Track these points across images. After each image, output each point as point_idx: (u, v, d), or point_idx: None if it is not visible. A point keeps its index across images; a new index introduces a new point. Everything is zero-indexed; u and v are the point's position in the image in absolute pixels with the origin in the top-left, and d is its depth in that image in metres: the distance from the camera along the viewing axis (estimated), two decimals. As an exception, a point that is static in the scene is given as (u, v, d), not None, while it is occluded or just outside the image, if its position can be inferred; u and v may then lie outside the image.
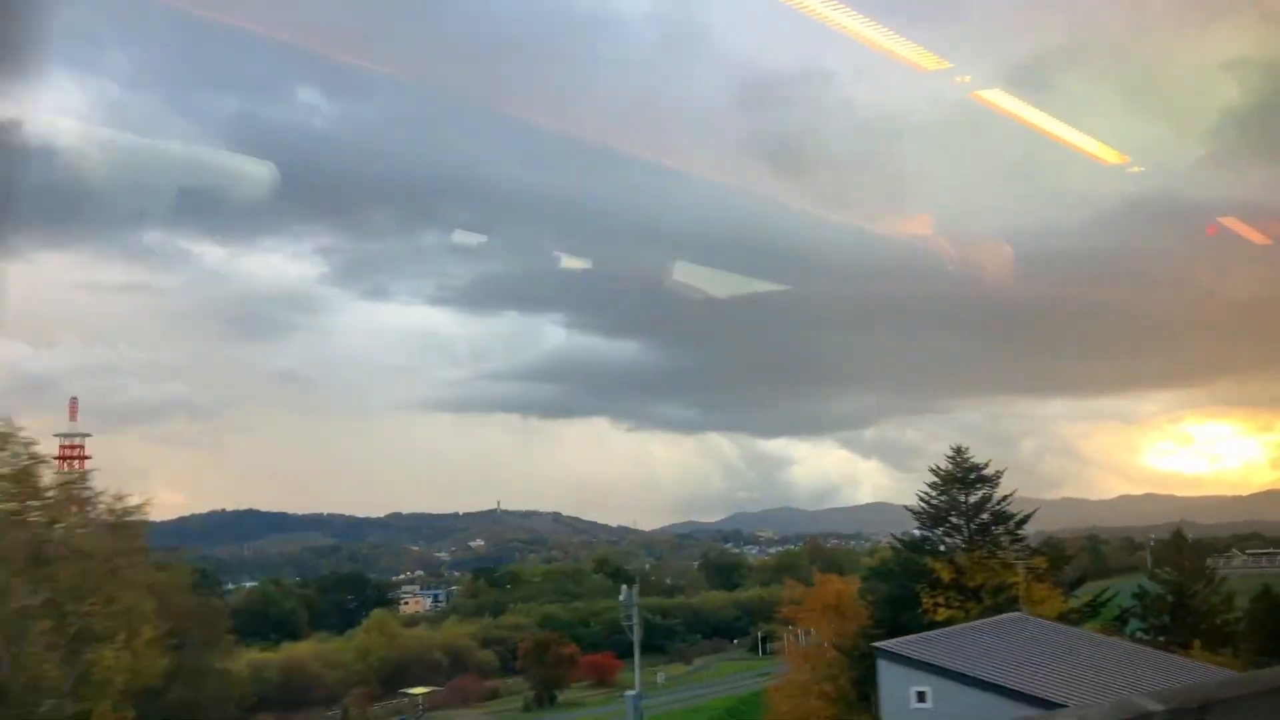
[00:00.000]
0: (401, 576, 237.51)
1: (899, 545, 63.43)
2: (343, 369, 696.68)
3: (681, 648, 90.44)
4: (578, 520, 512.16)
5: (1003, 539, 53.46)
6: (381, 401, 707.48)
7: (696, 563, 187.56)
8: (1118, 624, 55.90)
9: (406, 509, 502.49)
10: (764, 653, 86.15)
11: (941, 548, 54.36)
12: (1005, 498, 54.20)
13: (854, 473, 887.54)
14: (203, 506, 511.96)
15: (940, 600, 48.30)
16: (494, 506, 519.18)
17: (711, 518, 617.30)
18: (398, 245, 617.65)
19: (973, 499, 53.99)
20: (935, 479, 54.70)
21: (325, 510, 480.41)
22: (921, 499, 55.20)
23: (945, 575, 49.73)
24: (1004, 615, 40.37)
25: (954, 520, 53.99)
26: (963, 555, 51.90)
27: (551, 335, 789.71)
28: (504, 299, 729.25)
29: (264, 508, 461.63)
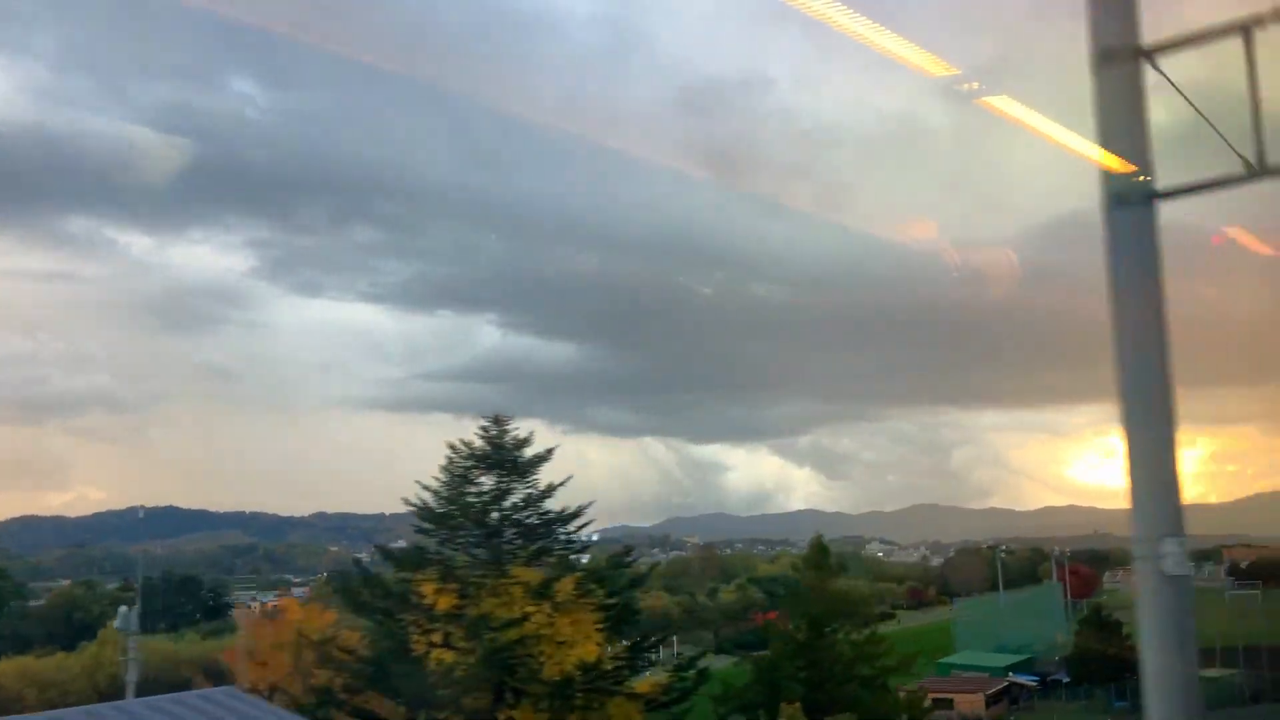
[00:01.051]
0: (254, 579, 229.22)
1: (374, 559, 47.32)
2: (273, 365, 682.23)
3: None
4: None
5: (554, 549, 37.95)
6: (312, 399, 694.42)
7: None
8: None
9: (332, 508, 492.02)
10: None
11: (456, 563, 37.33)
12: (549, 489, 37.77)
13: (788, 480, 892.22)
14: (122, 502, 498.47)
15: (437, 640, 33.57)
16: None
17: (645, 522, 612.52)
18: (330, 240, 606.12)
19: (515, 489, 37.47)
20: (454, 457, 37.73)
21: (248, 508, 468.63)
22: (429, 488, 38.16)
23: (443, 603, 34.11)
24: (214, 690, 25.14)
25: (470, 520, 37.22)
26: (489, 574, 35.67)
27: (486, 335, 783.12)
28: (438, 298, 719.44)
29: (185, 504, 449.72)
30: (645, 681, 36.07)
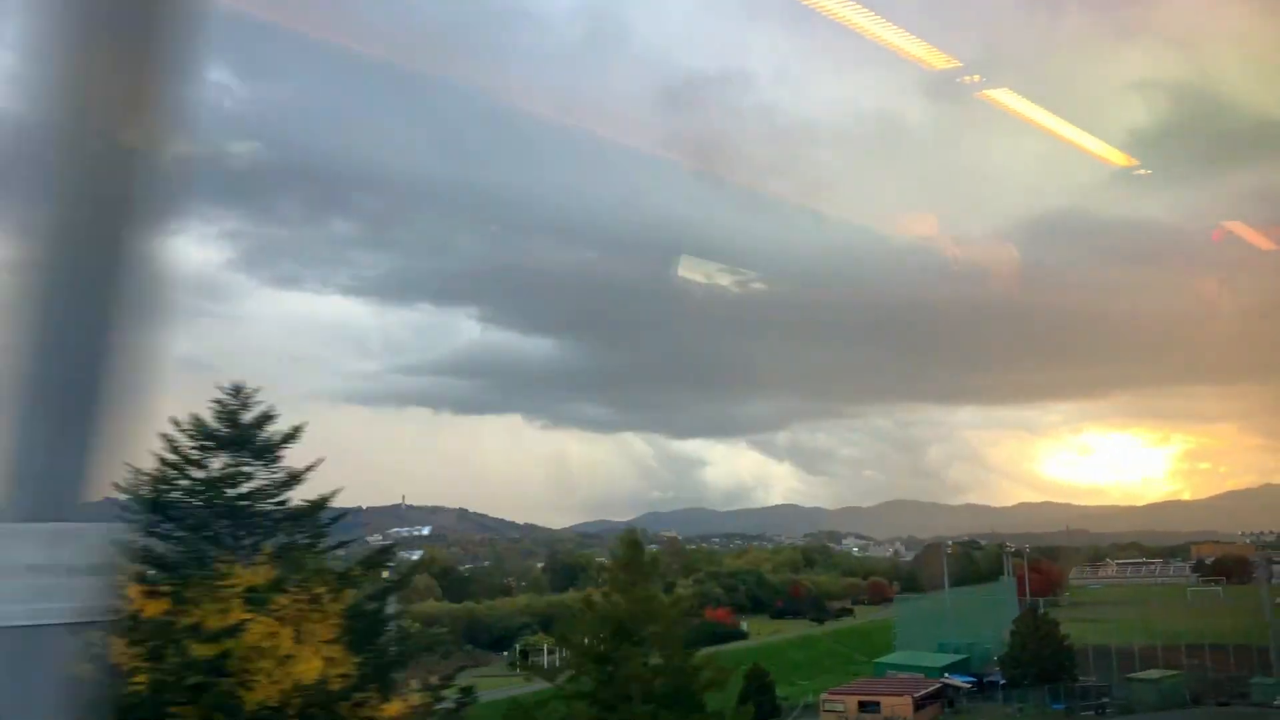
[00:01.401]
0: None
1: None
2: (250, 358, 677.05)
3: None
4: (485, 517, 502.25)
5: (297, 545, 30.69)
6: (290, 392, 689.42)
7: (541, 563, 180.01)
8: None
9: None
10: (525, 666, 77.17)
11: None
12: (295, 475, 31.04)
13: (766, 475, 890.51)
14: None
15: (140, 654, 25.28)
16: (399, 501, 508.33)
17: (624, 517, 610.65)
18: (308, 232, 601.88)
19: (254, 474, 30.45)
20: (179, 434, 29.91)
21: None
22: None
23: (150, 610, 26.17)
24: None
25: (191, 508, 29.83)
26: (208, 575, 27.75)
27: (466, 329, 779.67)
28: (418, 291, 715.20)
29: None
30: (392, 705, 29.69)
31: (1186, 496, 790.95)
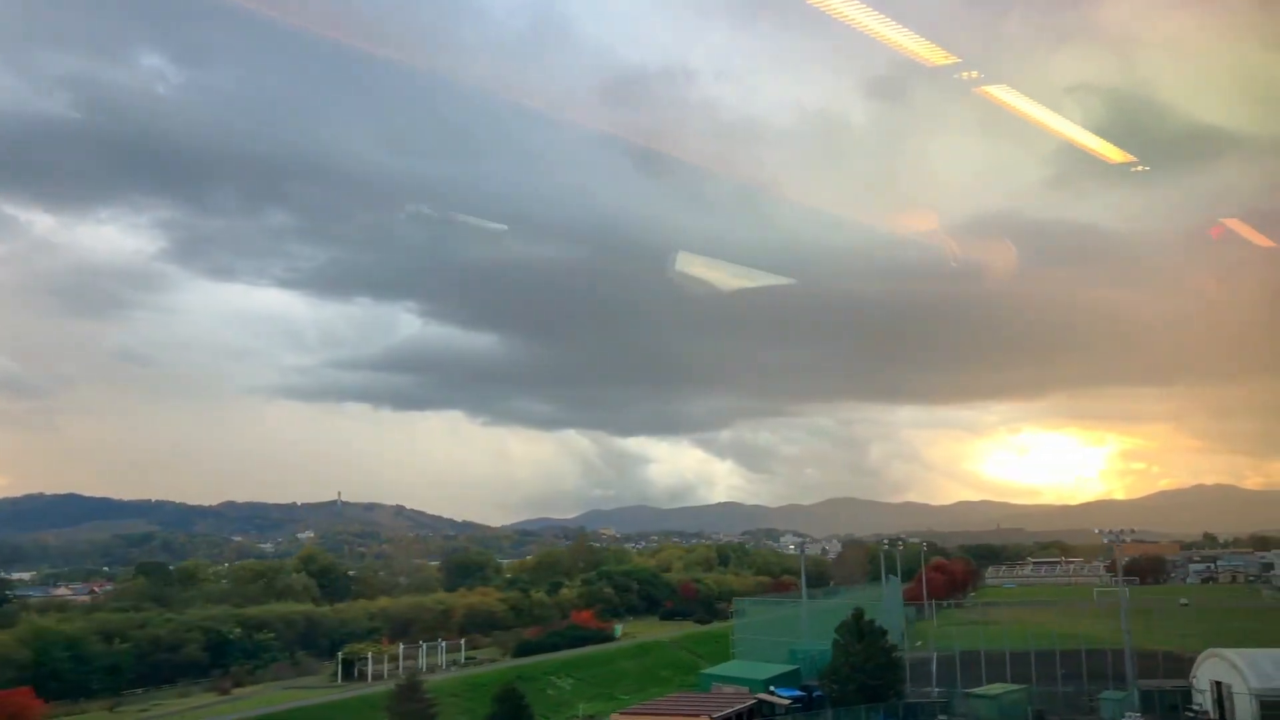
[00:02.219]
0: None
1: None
2: (184, 350, 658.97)
3: (236, 671, 72.91)
4: (422, 514, 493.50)
5: None
6: (225, 386, 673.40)
7: (436, 561, 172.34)
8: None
9: (243, 498, 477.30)
10: (349, 677, 69.11)
11: None
12: None
13: (709, 472, 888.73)
14: (21, 490, 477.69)
15: None
16: (335, 498, 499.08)
17: (566, 514, 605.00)
18: (244, 223, 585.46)
19: None
20: None
21: (154, 497, 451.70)
22: None
23: None
24: None
25: None
26: None
27: (406, 324, 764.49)
28: (357, 284, 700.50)
29: (88, 492, 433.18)
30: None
31: (1120, 496, 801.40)
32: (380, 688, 61.74)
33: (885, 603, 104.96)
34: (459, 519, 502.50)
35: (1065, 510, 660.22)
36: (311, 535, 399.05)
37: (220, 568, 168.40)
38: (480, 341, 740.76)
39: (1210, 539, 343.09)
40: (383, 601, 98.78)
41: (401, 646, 75.64)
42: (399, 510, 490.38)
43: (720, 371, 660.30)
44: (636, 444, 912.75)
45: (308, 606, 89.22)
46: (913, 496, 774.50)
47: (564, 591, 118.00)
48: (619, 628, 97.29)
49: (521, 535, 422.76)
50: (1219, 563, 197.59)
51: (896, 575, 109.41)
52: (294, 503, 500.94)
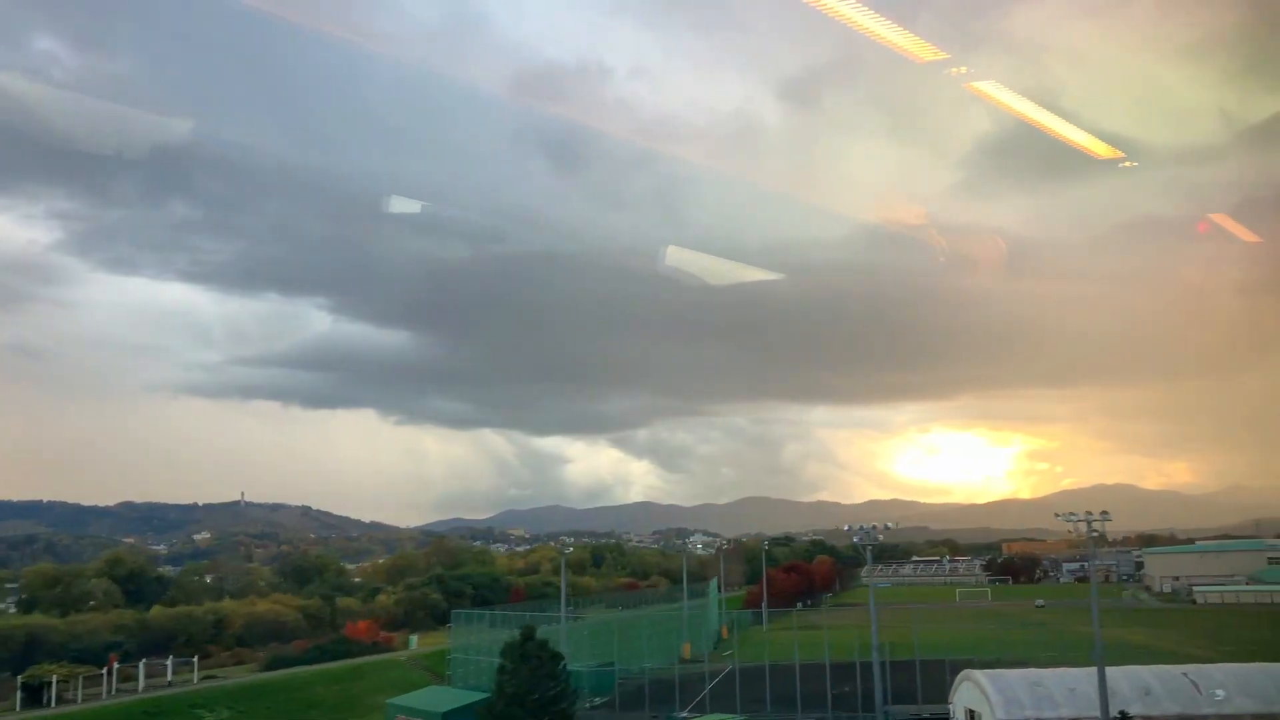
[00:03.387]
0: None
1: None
2: (83, 345, 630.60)
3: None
4: (329, 515, 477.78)
5: None
6: (126, 382, 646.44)
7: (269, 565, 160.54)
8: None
9: (141, 498, 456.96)
10: (36, 703, 57.62)
11: None
12: None
13: (626, 472, 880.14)
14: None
15: None
16: (238, 498, 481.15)
17: (480, 515, 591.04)
18: (145, 215, 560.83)
19: None
20: None
21: (46, 497, 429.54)
22: None
23: None
24: None
25: None
26: None
27: (316, 320, 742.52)
28: (264, 279, 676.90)
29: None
30: None
31: (1025, 495, 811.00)
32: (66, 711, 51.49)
33: (705, 607, 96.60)
34: (367, 520, 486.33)
35: (973, 509, 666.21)
36: (207, 536, 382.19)
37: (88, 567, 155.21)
38: (393, 339, 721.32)
39: (1100, 537, 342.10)
40: (182, 610, 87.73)
41: (143, 664, 65.34)
42: (305, 511, 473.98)
43: (638, 370, 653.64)
44: (553, 443, 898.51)
45: (36, 620, 77.70)
46: (825, 495, 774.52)
47: (381, 598, 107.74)
48: (414, 639, 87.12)
49: (425, 536, 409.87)
50: (1088, 563, 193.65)
51: (764, 574, 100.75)
52: (195, 503, 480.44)
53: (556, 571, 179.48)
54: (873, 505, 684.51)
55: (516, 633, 43.71)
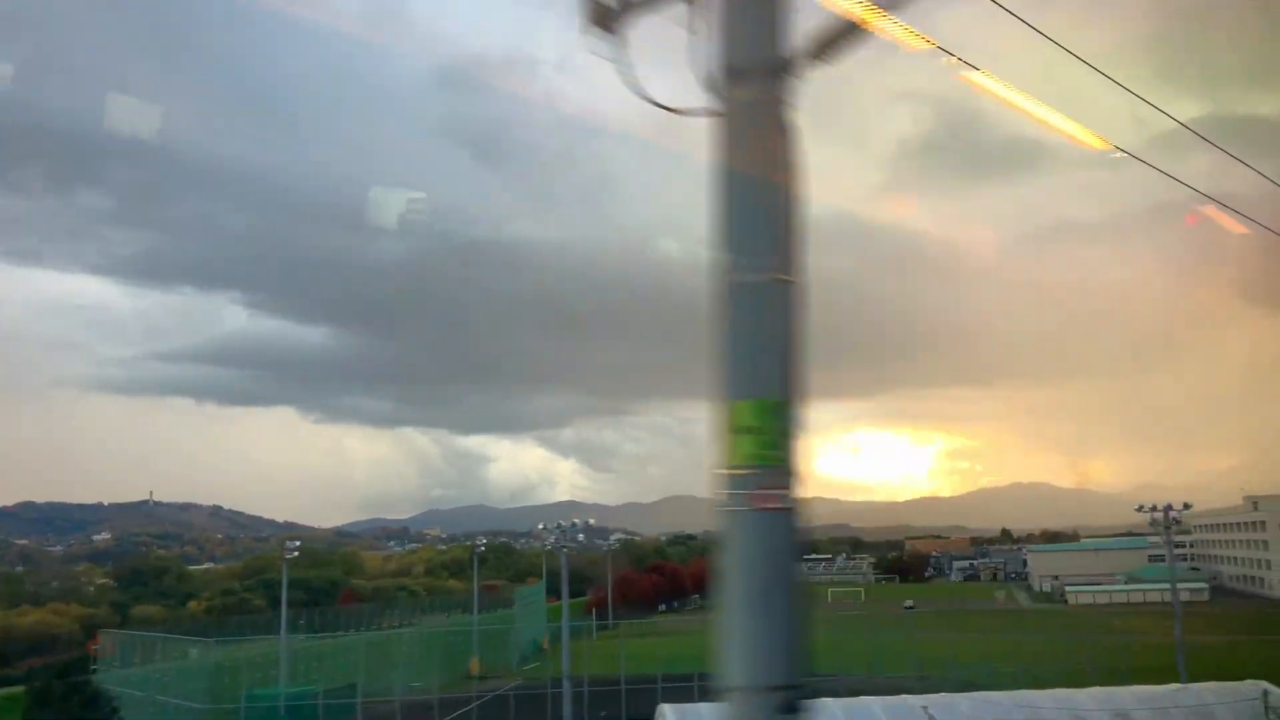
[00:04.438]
0: None
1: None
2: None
3: None
4: (241, 514, 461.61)
5: None
6: (30, 378, 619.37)
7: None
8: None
9: (42, 497, 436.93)
10: None
11: None
12: None
13: (551, 471, 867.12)
14: None
15: None
16: (146, 497, 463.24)
17: (402, 515, 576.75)
18: (50, 204, 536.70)
19: None
20: None
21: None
22: None
23: None
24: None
25: None
26: None
27: (232, 315, 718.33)
28: (178, 273, 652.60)
29: None
30: None
31: (946, 493, 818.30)
32: None
33: (534, 616, 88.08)
34: (281, 520, 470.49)
35: (892, 506, 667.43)
36: (107, 537, 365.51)
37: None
38: (313, 335, 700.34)
39: (1006, 534, 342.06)
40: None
41: None
42: (216, 510, 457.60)
43: (564, 369, 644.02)
44: (477, 442, 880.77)
45: None
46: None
47: (192, 604, 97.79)
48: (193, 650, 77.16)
49: (339, 537, 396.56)
50: (980, 560, 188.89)
51: (543, 578, 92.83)
52: (100, 503, 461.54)
53: (429, 573, 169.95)
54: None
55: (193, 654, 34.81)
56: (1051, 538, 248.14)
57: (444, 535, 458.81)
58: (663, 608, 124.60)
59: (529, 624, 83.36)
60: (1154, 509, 42.88)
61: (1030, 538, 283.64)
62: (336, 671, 55.77)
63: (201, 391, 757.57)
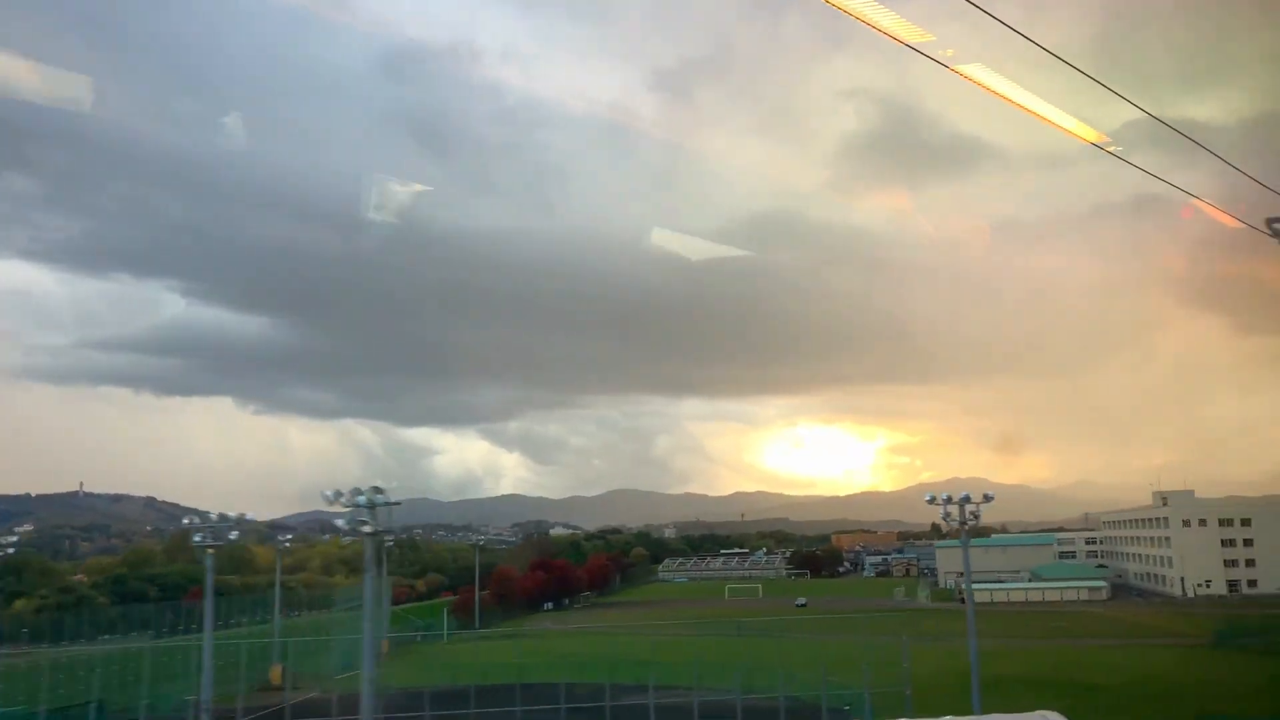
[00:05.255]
0: None
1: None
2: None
3: None
4: (175, 506, 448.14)
5: None
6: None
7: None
8: None
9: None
10: None
11: None
12: None
13: (496, 464, 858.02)
14: None
15: None
16: (76, 489, 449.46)
17: (346, 508, 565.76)
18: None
19: None
20: None
21: None
22: None
23: None
24: None
25: None
26: None
27: (169, 303, 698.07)
28: (113, 260, 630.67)
29: None
30: None
31: (886, 488, 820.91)
32: None
33: (377, 616, 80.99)
34: (215, 512, 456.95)
35: (834, 501, 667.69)
36: (29, 529, 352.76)
37: None
38: (251, 324, 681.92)
39: (936, 529, 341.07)
40: None
41: None
42: (149, 502, 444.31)
43: (508, 362, 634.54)
44: (421, 435, 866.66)
45: None
46: (693, 488, 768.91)
47: (18, 603, 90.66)
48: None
49: (271, 529, 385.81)
50: (896, 555, 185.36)
51: (476, 574, 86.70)
52: (28, 493, 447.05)
53: (325, 570, 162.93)
54: (739, 497, 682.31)
55: None
56: (979, 533, 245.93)
57: (381, 528, 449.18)
58: (548, 606, 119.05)
59: (364, 627, 76.85)
60: (944, 500, 38.19)
61: (953, 533, 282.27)
62: (93, 686, 49.60)
63: (138, 381, 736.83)
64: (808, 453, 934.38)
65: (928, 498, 38.59)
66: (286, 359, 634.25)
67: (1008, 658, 66.79)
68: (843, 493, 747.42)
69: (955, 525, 39.02)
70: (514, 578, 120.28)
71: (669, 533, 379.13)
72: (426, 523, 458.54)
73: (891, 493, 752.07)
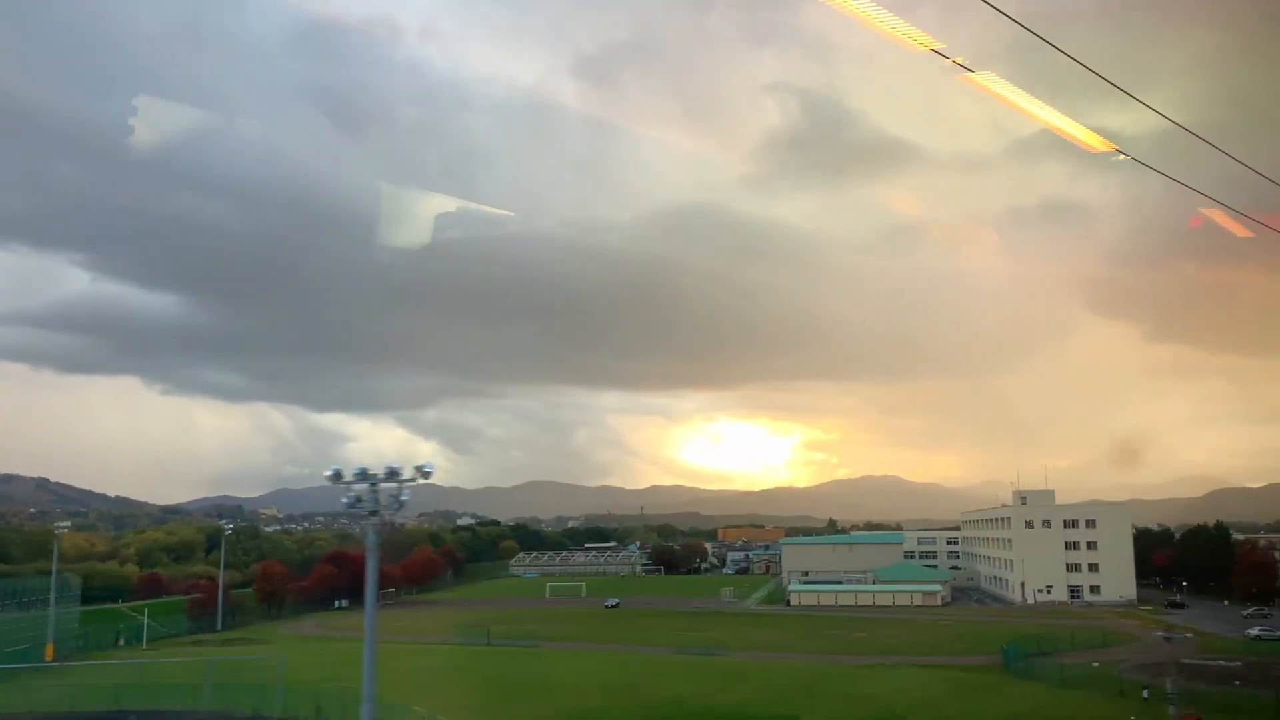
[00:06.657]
0: None
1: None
2: None
3: None
4: (69, 488, 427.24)
5: None
6: None
7: None
8: None
9: None
10: None
11: None
12: None
13: (412, 453, 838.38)
14: None
15: None
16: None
17: (253, 493, 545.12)
18: None
19: None
20: None
21: None
22: None
23: None
24: None
25: None
26: None
27: (72, 278, 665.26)
28: (8, 230, 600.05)
29: None
30: None
31: (801, 484, 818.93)
32: None
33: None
34: (113, 495, 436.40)
35: (747, 495, 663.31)
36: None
37: None
38: (160, 302, 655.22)
39: (832, 524, 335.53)
40: None
41: None
42: (41, 483, 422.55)
43: (426, 349, 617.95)
44: (334, 420, 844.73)
45: None
46: (611, 480, 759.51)
47: None
48: None
49: (165, 514, 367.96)
50: (754, 552, 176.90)
51: (220, 569, 75.70)
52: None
53: (144, 559, 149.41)
54: (655, 490, 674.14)
55: None
56: (875, 529, 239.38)
57: (281, 515, 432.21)
58: (343, 603, 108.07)
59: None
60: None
61: (854, 528, 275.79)
62: None
63: (37, 357, 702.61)
64: (725, 447, 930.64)
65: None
66: (196, 339, 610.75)
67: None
68: (757, 487, 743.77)
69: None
70: (278, 574, 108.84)
71: (574, 524, 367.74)
72: (334, 510, 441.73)
73: (806, 488, 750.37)
